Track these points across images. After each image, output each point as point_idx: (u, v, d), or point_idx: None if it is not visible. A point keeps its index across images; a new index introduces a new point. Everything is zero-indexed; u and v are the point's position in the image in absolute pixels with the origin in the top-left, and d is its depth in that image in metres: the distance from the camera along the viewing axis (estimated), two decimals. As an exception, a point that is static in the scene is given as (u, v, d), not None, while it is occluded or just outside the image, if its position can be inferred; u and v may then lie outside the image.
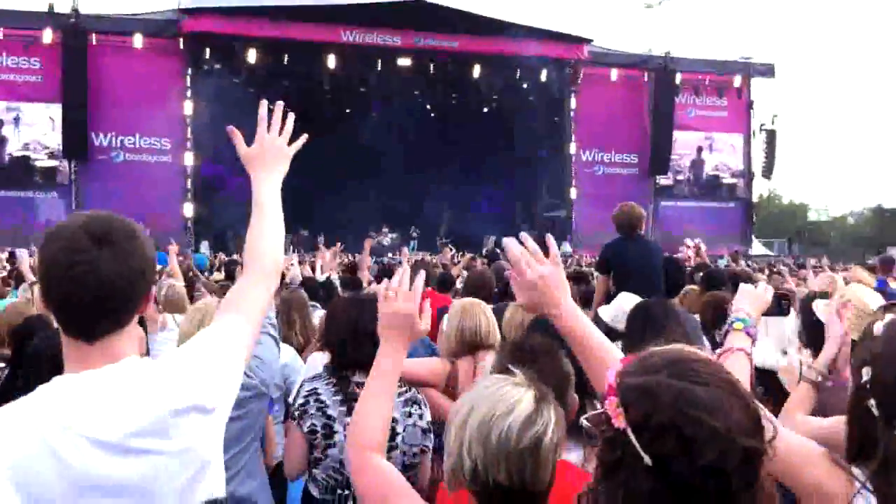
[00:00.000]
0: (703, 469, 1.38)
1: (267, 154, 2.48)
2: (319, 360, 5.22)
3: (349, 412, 3.48)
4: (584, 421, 1.56)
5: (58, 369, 1.94)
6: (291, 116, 2.57)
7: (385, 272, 10.18)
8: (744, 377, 2.51)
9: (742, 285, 2.97)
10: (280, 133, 2.53)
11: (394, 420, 3.55)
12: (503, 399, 1.89)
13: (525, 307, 2.31)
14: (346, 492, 3.50)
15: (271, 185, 2.44)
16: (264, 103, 2.54)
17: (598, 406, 1.56)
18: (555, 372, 2.60)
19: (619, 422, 1.46)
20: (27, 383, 2.48)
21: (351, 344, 3.65)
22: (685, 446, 1.40)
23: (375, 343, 3.57)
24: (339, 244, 12.10)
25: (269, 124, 2.52)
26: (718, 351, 2.75)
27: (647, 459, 1.41)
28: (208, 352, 2.05)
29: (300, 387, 3.71)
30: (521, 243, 2.29)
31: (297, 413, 3.58)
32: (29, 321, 4.95)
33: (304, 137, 2.60)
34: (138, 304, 1.96)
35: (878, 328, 2.49)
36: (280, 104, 2.55)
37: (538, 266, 2.26)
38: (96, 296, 1.86)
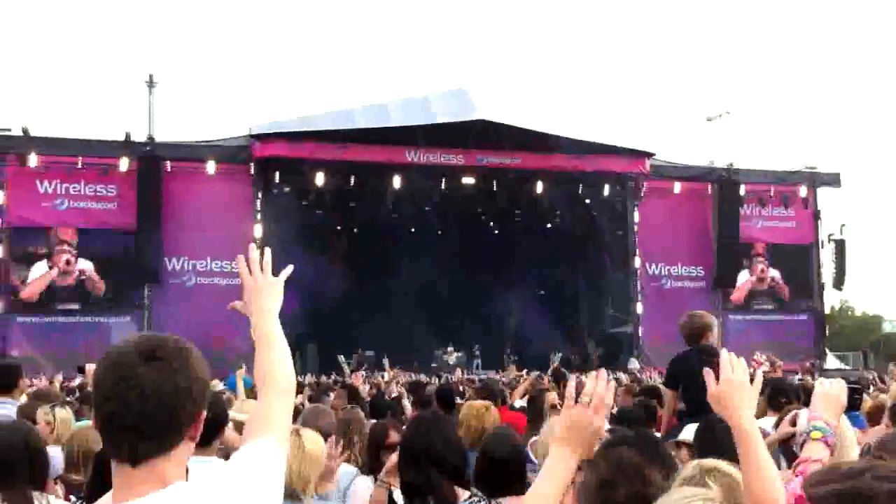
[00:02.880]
0: None
1: (257, 292, 2.49)
2: (363, 484, 5.13)
3: None
4: None
5: None
6: (268, 251, 2.59)
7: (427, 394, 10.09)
8: None
9: (818, 387, 2.88)
10: (262, 269, 2.53)
11: None
12: None
13: (712, 397, 2.54)
14: None
15: (269, 318, 2.44)
16: (240, 258, 2.54)
17: None
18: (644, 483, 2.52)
19: None
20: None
21: (416, 469, 3.63)
22: None
23: (438, 466, 3.55)
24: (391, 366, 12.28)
25: (251, 269, 2.53)
26: (795, 462, 2.65)
27: None
28: (249, 476, 1.99)
29: None
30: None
31: None
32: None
33: (289, 268, 2.63)
34: (186, 426, 1.91)
35: None
36: (252, 246, 2.58)
37: (739, 373, 2.53)
38: (140, 412, 1.83)
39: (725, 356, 2.59)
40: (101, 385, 1.88)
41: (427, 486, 3.56)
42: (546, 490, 2.26)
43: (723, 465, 2.70)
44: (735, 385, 2.50)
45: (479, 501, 3.60)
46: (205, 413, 1.99)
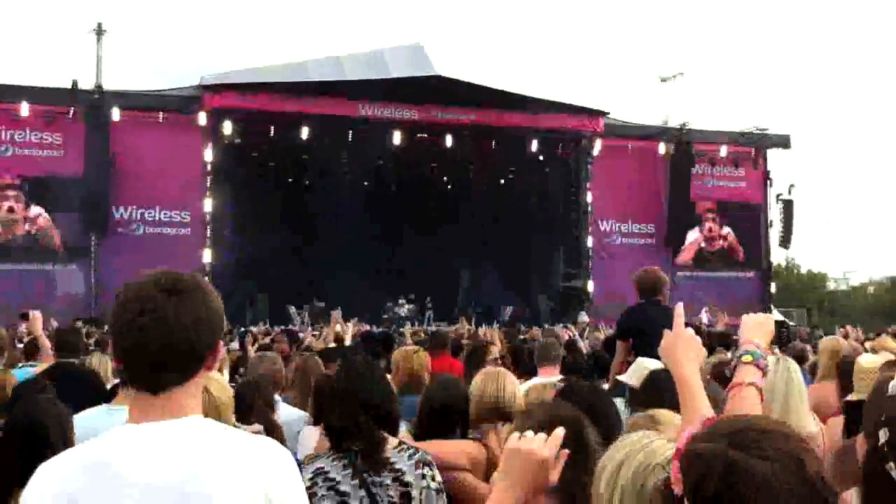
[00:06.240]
0: None
1: None
2: (310, 435, 5.12)
3: (361, 485, 3.42)
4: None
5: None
6: None
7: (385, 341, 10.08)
8: (755, 413, 2.42)
9: (745, 315, 2.87)
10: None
11: (408, 484, 3.48)
12: (657, 451, 1.75)
13: (662, 349, 2.71)
14: None
15: None
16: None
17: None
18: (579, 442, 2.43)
19: (678, 488, 1.39)
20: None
21: (342, 412, 3.59)
22: None
23: (367, 409, 3.56)
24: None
25: None
26: (728, 386, 2.66)
27: None
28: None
29: (302, 469, 3.62)
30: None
31: None
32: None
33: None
34: (205, 356, 1.98)
35: (894, 387, 2.35)
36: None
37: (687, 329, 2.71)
38: (162, 344, 1.90)
39: (680, 310, 2.77)
40: (122, 318, 1.94)
41: (355, 429, 3.55)
42: None
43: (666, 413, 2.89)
44: (685, 338, 2.66)
45: (408, 450, 3.59)
46: (222, 344, 2.08)
